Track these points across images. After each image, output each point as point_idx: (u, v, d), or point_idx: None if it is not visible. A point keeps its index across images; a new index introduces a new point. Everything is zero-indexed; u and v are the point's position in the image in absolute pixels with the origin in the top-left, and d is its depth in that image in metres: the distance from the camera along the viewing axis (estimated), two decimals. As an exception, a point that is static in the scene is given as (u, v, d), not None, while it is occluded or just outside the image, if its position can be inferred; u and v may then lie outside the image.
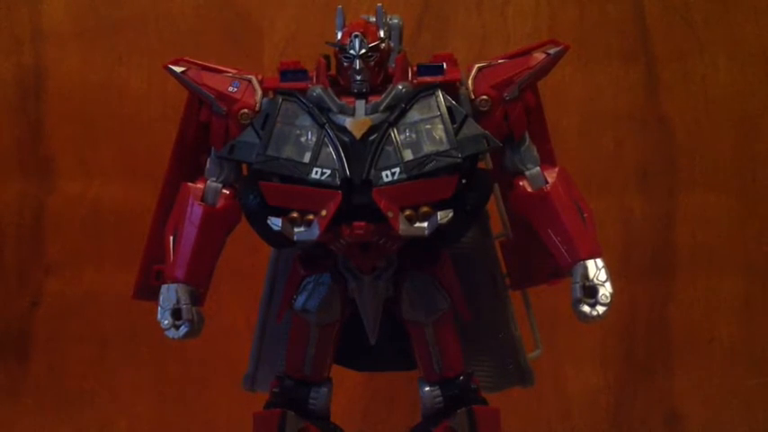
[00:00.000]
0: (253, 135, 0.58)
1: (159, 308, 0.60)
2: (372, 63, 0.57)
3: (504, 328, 0.68)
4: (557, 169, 0.61)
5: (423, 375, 0.64)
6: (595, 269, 0.59)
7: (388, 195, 0.55)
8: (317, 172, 0.56)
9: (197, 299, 0.61)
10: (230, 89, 0.59)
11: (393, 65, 0.58)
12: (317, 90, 0.57)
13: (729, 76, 1.05)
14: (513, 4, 1.06)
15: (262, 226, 0.58)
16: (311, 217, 0.56)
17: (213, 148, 0.61)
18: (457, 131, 0.56)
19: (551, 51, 0.60)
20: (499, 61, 0.60)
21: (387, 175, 0.55)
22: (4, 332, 1.07)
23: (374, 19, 0.59)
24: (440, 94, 0.57)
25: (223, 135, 0.60)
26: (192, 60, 0.62)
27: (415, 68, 0.59)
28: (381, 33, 0.58)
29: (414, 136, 0.56)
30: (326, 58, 0.59)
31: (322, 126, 0.57)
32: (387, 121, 0.56)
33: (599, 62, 1.05)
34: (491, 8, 1.06)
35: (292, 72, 0.59)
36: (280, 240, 0.58)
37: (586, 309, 0.58)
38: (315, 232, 0.55)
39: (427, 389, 0.63)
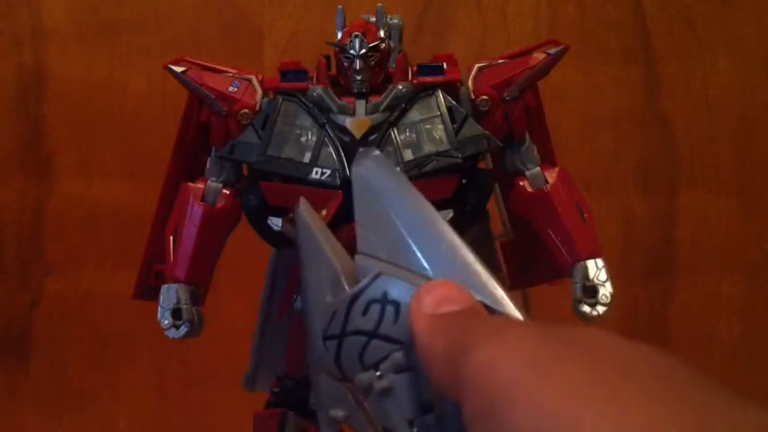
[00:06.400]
0: (253, 135, 0.58)
1: (159, 308, 0.60)
2: (372, 63, 0.57)
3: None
4: (557, 169, 0.61)
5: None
6: (596, 269, 0.59)
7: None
8: (317, 172, 0.56)
9: (197, 299, 0.61)
10: (230, 89, 0.59)
11: (393, 65, 0.58)
12: (318, 90, 0.57)
13: (729, 76, 1.05)
14: (513, 4, 1.06)
15: (262, 226, 0.58)
16: (311, 217, 0.56)
17: (213, 148, 0.61)
18: (457, 132, 0.56)
19: (551, 51, 0.60)
20: (499, 61, 0.60)
21: (387, 175, 0.55)
22: (4, 332, 1.07)
23: (374, 19, 0.58)
24: (440, 94, 0.57)
25: (223, 135, 0.60)
26: (192, 60, 0.61)
27: (415, 68, 0.59)
28: (381, 33, 0.58)
29: (414, 136, 0.56)
30: (327, 58, 0.59)
31: (322, 126, 0.57)
32: (387, 121, 0.56)
33: (599, 62, 1.05)
34: (491, 8, 1.06)
35: (293, 72, 0.59)
36: (280, 240, 0.58)
37: (587, 309, 0.58)
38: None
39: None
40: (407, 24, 0.62)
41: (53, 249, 1.06)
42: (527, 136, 0.61)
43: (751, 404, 0.23)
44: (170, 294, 0.60)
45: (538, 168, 0.61)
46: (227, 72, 0.61)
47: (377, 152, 0.43)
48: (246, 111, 0.59)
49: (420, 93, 0.57)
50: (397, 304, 0.31)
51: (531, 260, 0.66)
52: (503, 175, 0.62)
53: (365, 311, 0.31)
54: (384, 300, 0.31)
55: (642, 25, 1.05)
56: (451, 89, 0.58)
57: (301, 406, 0.64)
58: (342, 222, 0.55)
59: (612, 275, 0.59)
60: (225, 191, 0.61)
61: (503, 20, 1.05)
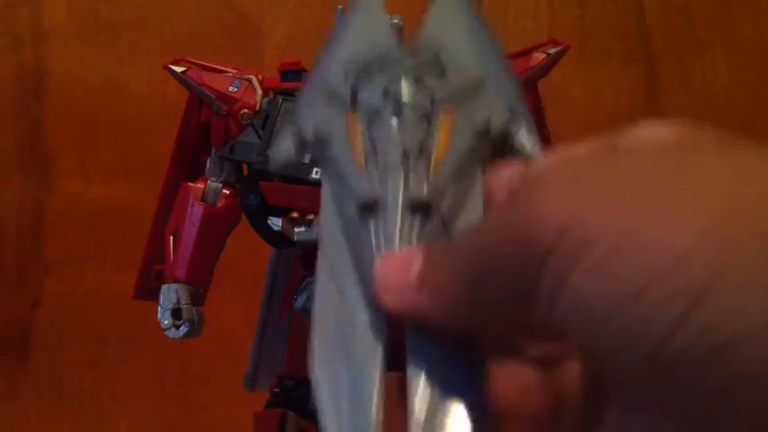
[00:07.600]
0: (253, 135, 0.58)
1: (159, 308, 0.60)
2: (372, 63, 0.57)
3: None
4: (557, 169, 0.61)
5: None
6: (595, 269, 0.59)
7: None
8: (317, 172, 0.56)
9: (197, 299, 0.61)
10: (230, 89, 0.59)
11: (393, 65, 0.58)
12: (318, 90, 0.57)
13: (729, 76, 1.05)
14: (513, 4, 1.06)
15: (262, 226, 0.58)
16: (311, 217, 0.56)
17: (213, 148, 0.61)
18: (457, 131, 0.56)
19: (551, 51, 0.60)
20: (499, 61, 0.60)
21: (387, 175, 0.55)
22: (4, 332, 1.07)
23: (374, 19, 0.58)
24: (440, 94, 0.57)
25: (223, 135, 0.60)
26: (192, 60, 0.61)
27: (415, 68, 0.59)
28: (381, 33, 0.57)
29: (414, 136, 0.56)
30: (327, 58, 0.59)
31: (322, 126, 0.57)
32: (387, 120, 0.56)
33: (599, 62, 1.05)
34: (491, 8, 1.06)
35: (293, 72, 0.59)
36: (280, 240, 0.58)
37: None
38: (315, 232, 0.55)
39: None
40: (407, 24, 0.62)
41: (53, 249, 1.06)
42: (527, 136, 0.61)
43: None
44: (170, 294, 0.60)
45: (538, 168, 0.61)
46: (227, 72, 0.61)
47: None
48: (246, 111, 0.59)
49: (420, 93, 0.57)
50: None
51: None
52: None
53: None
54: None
55: (642, 25, 1.05)
56: (451, 89, 0.58)
57: (301, 406, 0.64)
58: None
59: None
60: (225, 191, 0.61)
61: (503, 20, 1.05)
